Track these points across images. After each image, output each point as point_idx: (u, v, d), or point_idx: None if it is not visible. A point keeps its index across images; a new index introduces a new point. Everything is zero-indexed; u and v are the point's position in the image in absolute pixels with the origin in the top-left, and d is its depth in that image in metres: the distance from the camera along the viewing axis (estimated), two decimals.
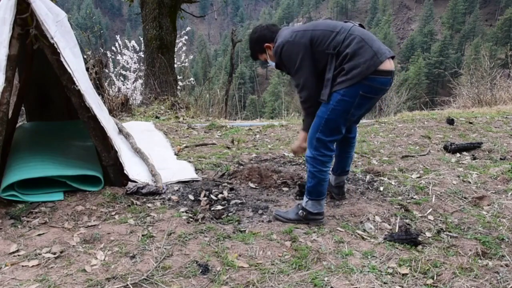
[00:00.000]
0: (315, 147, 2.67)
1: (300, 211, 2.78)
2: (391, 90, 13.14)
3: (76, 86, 2.89)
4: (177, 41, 9.62)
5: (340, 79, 2.54)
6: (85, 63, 3.76)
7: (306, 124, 2.78)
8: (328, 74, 2.58)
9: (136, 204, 2.98)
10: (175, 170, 3.59)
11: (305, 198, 2.78)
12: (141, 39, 8.83)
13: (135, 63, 10.96)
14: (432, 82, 62.45)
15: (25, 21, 2.72)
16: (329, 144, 2.68)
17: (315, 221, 2.77)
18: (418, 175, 3.61)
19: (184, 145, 4.45)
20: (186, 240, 2.51)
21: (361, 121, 5.83)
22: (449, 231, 2.71)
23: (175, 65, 9.17)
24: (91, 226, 2.66)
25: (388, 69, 2.55)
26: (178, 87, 8.52)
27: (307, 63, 2.61)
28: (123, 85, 9.86)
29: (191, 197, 3.16)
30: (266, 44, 2.79)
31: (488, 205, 3.08)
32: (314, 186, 2.72)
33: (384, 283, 2.16)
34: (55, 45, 2.76)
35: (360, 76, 2.48)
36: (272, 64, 2.86)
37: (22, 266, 2.22)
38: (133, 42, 11.20)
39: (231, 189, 3.31)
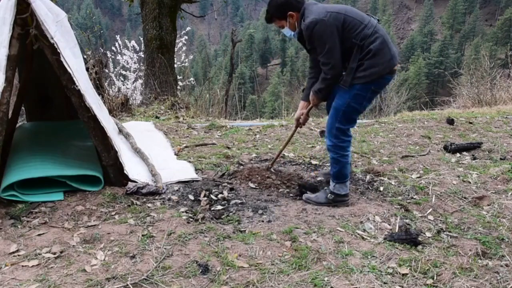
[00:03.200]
0: (335, 135, 2.94)
1: (329, 194, 3.03)
2: (391, 90, 13.16)
3: (76, 86, 2.89)
4: (177, 41, 9.62)
5: (359, 74, 2.76)
6: (85, 63, 3.76)
7: (305, 95, 3.16)
8: (352, 64, 2.76)
9: (136, 204, 2.98)
10: (175, 170, 3.59)
11: (332, 183, 3.04)
12: (141, 39, 8.83)
13: (135, 63, 10.96)
14: (432, 82, 62.40)
15: (25, 21, 2.72)
16: (347, 131, 2.97)
17: (342, 203, 3.03)
18: (418, 175, 3.61)
19: (184, 145, 4.45)
20: (186, 240, 2.51)
21: (361, 121, 5.86)
22: (449, 231, 2.72)
23: (175, 65, 9.17)
24: (91, 226, 2.66)
25: (395, 69, 2.87)
26: (178, 87, 8.51)
27: (338, 45, 2.74)
28: (123, 85, 9.87)
29: (191, 197, 3.16)
30: (290, 12, 2.83)
31: (488, 205, 3.08)
32: (339, 170, 3.00)
33: (384, 283, 2.16)
34: (55, 45, 2.76)
35: (377, 75, 2.75)
36: (289, 32, 2.95)
37: (22, 266, 2.22)
38: (133, 42, 11.20)
39: (231, 189, 3.31)
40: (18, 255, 2.32)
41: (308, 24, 2.72)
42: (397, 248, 2.49)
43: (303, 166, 3.90)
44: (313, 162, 4.00)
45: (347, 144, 2.96)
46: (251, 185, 3.40)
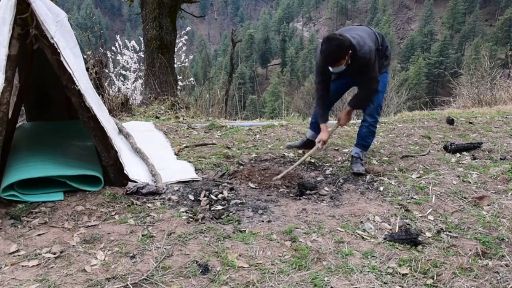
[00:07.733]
0: (379, 112, 3.77)
1: (362, 161, 3.73)
2: (391, 90, 13.16)
3: (76, 86, 2.89)
4: (177, 41, 9.61)
5: (385, 63, 3.65)
6: (85, 63, 3.75)
7: (325, 119, 3.67)
8: (380, 66, 3.57)
9: (136, 204, 2.98)
10: (175, 170, 3.59)
11: (362, 153, 3.77)
12: (141, 39, 8.82)
13: (135, 63, 10.93)
14: (432, 82, 62.38)
15: (25, 21, 2.72)
16: None
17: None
18: (418, 175, 3.61)
19: (184, 145, 4.45)
20: (186, 240, 2.51)
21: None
22: (449, 231, 2.72)
23: (175, 65, 9.16)
24: (91, 226, 2.66)
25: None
26: (178, 87, 8.51)
27: None
28: (123, 85, 9.84)
29: (191, 197, 3.16)
30: (350, 51, 3.26)
31: (488, 205, 3.08)
32: (372, 141, 3.88)
33: (384, 283, 2.16)
34: (55, 45, 2.76)
35: (390, 59, 3.74)
36: (342, 68, 3.32)
37: (22, 266, 2.22)
38: (133, 42, 11.17)
39: (231, 189, 3.31)
40: (18, 255, 2.32)
41: (366, 54, 3.27)
42: (397, 248, 2.49)
43: (303, 166, 3.89)
44: (313, 162, 4.00)
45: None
46: (251, 185, 3.41)
